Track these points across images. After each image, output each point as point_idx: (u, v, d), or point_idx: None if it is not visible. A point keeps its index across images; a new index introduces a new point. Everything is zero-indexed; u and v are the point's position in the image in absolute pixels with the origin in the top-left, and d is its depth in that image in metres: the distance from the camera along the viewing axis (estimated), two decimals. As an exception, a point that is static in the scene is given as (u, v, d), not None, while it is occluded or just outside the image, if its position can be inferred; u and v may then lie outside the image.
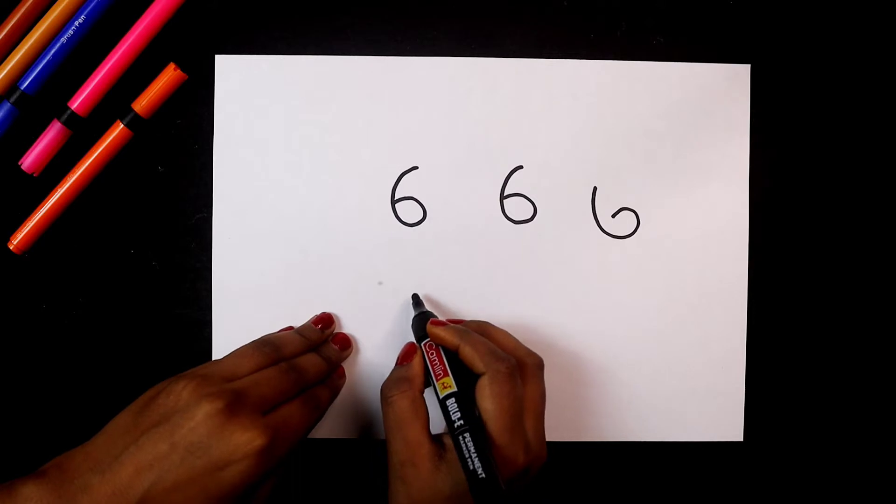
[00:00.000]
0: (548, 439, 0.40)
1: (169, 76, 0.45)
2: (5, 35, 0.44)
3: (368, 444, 0.47)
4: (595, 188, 0.48)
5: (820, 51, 0.48)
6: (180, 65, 0.45)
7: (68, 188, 0.45)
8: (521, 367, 0.40)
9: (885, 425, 0.49)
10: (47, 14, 0.44)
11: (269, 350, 0.40)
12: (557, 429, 0.47)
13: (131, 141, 0.46)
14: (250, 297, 0.47)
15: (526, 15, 0.47)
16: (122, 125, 0.45)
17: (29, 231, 0.46)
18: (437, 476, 0.37)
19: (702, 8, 0.48)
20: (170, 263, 0.47)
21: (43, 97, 0.45)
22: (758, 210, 0.48)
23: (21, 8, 0.44)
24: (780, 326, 0.48)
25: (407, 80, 0.47)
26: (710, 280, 0.48)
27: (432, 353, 0.41)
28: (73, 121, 0.45)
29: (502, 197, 0.47)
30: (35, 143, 0.45)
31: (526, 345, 0.43)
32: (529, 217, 0.47)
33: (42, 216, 0.45)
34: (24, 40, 0.44)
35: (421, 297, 0.46)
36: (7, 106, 0.45)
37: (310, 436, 0.41)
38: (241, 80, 0.47)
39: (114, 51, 0.44)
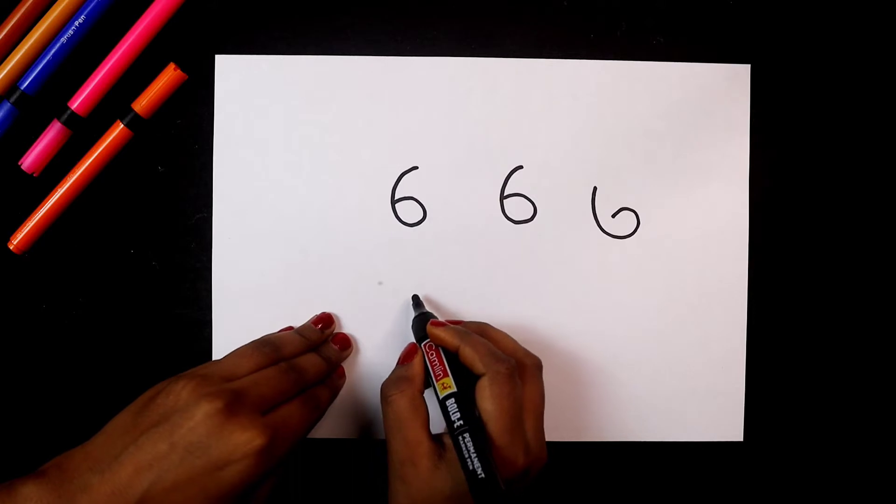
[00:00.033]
0: (548, 439, 0.40)
1: (169, 76, 0.45)
2: (5, 35, 0.44)
3: (368, 444, 0.47)
4: (595, 188, 0.48)
5: (820, 51, 0.48)
6: (180, 65, 0.45)
7: (68, 188, 0.45)
8: (521, 368, 0.40)
9: (886, 425, 0.49)
10: (47, 14, 0.44)
11: (269, 350, 0.40)
12: (557, 429, 0.47)
13: (131, 141, 0.46)
14: (250, 297, 0.47)
15: (526, 15, 0.47)
16: (122, 125, 0.45)
17: (29, 231, 0.46)
18: (436, 475, 0.37)
19: (702, 8, 0.48)
20: (170, 263, 0.47)
21: (43, 97, 0.45)
22: (758, 210, 0.48)
23: (21, 8, 0.44)
24: (780, 326, 0.48)
25: (407, 80, 0.47)
26: (710, 280, 0.48)
27: (432, 354, 0.41)
28: (73, 121, 0.45)
29: (502, 197, 0.47)
30: (35, 143, 0.45)
31: (526, 345, 0.43)
32: (529, 217, 0.47)
33: (42, 216, 0.45)
34: (24, 40, 0.44)
35: (421, 298, 0.46)
36: (7, 106, 0.45)
37: (310, 436, 0.41)
38: (241, 80, 0.47)
39: (114, 51, 0.44)
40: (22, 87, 0.44)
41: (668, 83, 0.47)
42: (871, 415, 0.49)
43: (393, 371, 0.42)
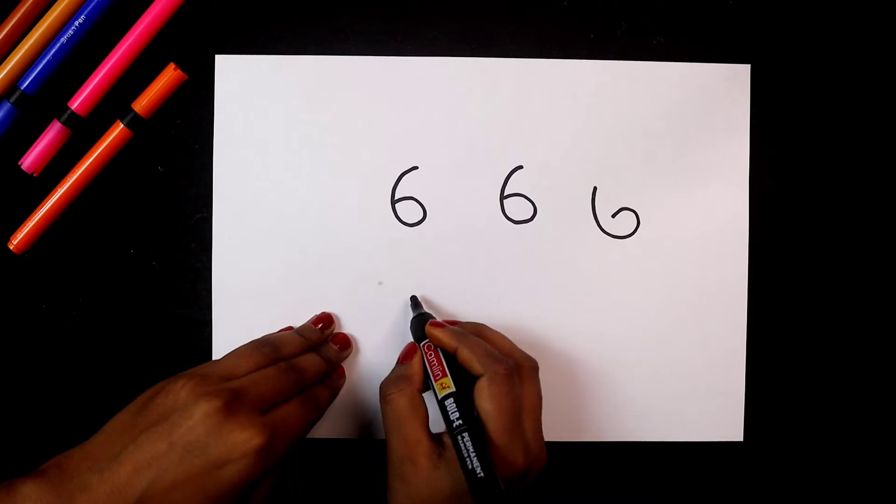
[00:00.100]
0: (548, 439, 0.40)
1: (169, 76, 0.45)
2: (5, 35, 0.44)
3: (368, 444, 0.47)
4: (595, 188, 0.47)
5: (820, 51, 0.48)
6: (180, 65, 0.45)
7: (68, 188, 0.45)
8: (518, 369, 0.40)
9: (886, 425, 0.49)
10: (47, 14, 0.44)
11: (268, 350, 0.40)
12: (558, 429, 0.47)
13: (131, 141, 0.46)
14: (250, 297, 0.47)
15: (526, 15, 0.47)
16: (122, 125, 0.45)
17: (29, 231, 0.46)
18: (436, 474, 0.37)
19: (702, 8, 0.48)
20: (170, 263, 0.47)
21: (43, 97, 0.45)
22: (758, 210, 0.48)
23: (21, 8, 0.44)
24: (780, 326, 0.48)
25: (407, 80, 0.47)
26: (710, 280, 0.48)
27: (431, 354, 0.41)
28: (73, 121, 0.45)
29: (502, 197, 0.47)
30: (35, 143, 0.45)
31: (526, 345, 0.43)
32: (529, 217, 0.47)
33: (42, 216, 0.45)
34: (24, 40, 0.44)
35: (419, 299, 0.46)
36: (7, 106, 0.45)
37: (309, 436, 0.41)
38: (241, 80, 0.47)
39: (114, 51, 0.44)
40: (22, 87, 0.44)
41: (668, 83, 0.47)
42: (871, 415, 0.49)
43: (392, 370, 0.42)
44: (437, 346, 0.41)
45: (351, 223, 0.47)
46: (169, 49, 0.46)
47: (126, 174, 0.47)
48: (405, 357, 0.43)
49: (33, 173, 0.46)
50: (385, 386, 0.40)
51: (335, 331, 0.47)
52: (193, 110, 0.47)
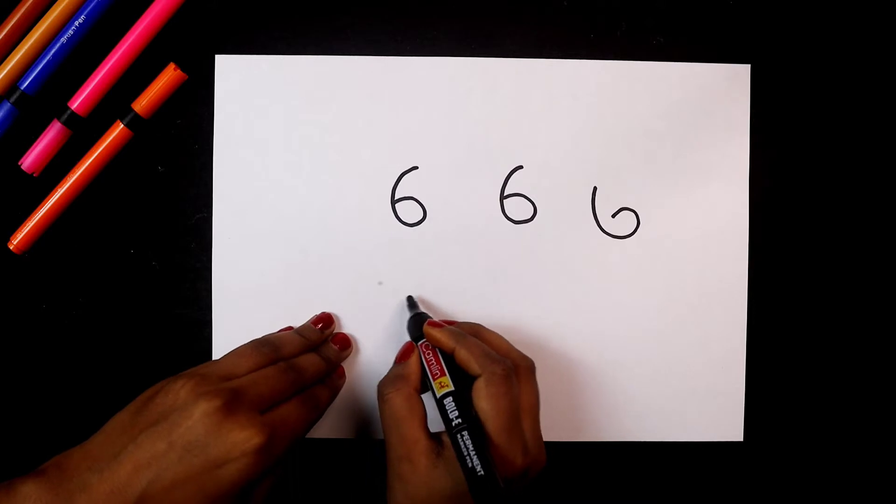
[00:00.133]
0: (548, 439, 0.40)
1: (169, 76, 0.45)
2: (5, 35, 0.44)
3: (367, 444, 0.47)
4: (595, 188, 0.47)
5: (820, 51, 0.48)
6: (180, 65, 0.45)
7: (68, 188, 0.45)
8: (515, 369, 0.40)
9: (886, 425, 0.49)
10: (47, 14, 0.44)
11: (268, 350, 0.40)
12: (557, 429, 0.47)
13: (131, 141, 0.46)
14: (250, 297, 0.47)
15: (526, 15, 0.47)
16: (122, 125, 0.45)
17: (29, 231, 0.46)
18: (434, 473, 0.37)
19: (702, 8, 0.48)
20: (170, 263, 0.47)
21: (43, 97, 0.45)
22: (758, 210, 0.48)
23: (21, 8, 0.44)
24: (780, 326, 0.48)
25: (407, 80, 0.47)
26: (710, 280, 0.48)
27: (429, 354, 0.41)
28: (73, 121, 0.45)
29: (502, 197, 0.47)
30: (35, 143, 0.45)
31: (526, 345, 0.43)
32: (529, 217, 0.47)
33: (42, 216, 0.45)
34: (24, 40, 0.44)
35: (416, 299, 0.46)
36: (7, 106, 0.45)
37: (308, 435, 0.41)
38: (241, 80, 0.47)
39: (114, 51, 0.44)
40: (22, 87, 0.44)
41: (668, 83, 0.47)
42: (870, 415, 0.49)
43: (390, 370, 0.42)
44: (435, 346, 0.41)
45: (351, 223, 0.47)
46: (169, 49, 0.46)
47: (126, 174, 0.47)
48: (402, 356, 0.43)
49: (33, 173, 0.46)
50: (382, 385, 0.40)
51: (335, 331, 0.47)
52: (193, 110, 0.47)
